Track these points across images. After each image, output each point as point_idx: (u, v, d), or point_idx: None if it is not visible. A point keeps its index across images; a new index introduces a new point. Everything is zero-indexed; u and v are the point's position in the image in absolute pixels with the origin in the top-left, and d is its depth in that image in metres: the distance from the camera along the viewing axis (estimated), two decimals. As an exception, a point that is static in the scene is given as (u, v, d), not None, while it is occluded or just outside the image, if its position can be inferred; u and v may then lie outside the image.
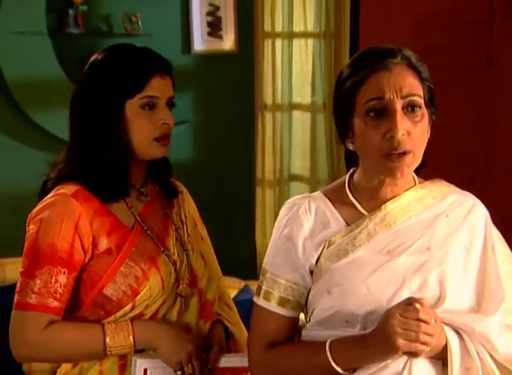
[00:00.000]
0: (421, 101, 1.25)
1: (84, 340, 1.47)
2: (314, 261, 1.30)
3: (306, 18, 3.66)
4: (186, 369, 1.49)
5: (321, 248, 1.29)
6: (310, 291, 1.32)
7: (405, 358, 1.22)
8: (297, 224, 1.31)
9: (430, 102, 1.28)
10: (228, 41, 3.59)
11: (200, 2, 3.57)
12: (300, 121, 3.77)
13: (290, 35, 3.67)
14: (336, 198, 1.34)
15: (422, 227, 1.29)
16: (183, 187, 1.72)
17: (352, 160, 1.36)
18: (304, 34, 3.68)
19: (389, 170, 1.25)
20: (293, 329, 1.35)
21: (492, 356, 1.25)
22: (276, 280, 1.32)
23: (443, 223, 1.30)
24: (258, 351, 1.34)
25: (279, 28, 3.65)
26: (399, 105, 1.23)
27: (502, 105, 3.19)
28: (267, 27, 3.62)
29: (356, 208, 1.31)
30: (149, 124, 1.51)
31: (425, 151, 1.30)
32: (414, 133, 1.24)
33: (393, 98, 1.22)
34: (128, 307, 1.50)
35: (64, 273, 1.45)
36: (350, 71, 1.28)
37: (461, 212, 1.32)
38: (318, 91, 3.59)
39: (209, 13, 3.60)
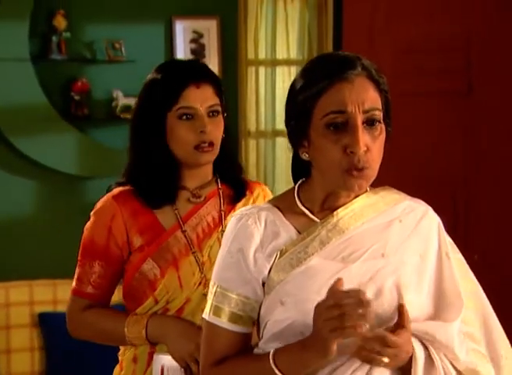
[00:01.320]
0: (380, 115, 1.21)
1: (109, 327, 1.64)
2: (266, 272, 1.25)
3: (289, 45, 3.69)
4: (191, 366, 1.56)
5: (273, 259, 1.25)
6: (261, 305, 1.27)
7: (365, 369, 1.19)
8: (247, 235, 1.26)
9: (386, 114, 1.25)
10: (211, 68, 3.60)
11: (183, 29, 3.59)
12: (284, 148, 3.77)
13: (273, 63, 3.69)
14: (286, 207, 1.29)
15: (376, 233, 1.26)
16: (266, 190, 1.77)
17: (300, 170, 1.31)
18: (287, 62, 3.71)
19: (348, 186, 1.22)
20: (246, 344, 1.30)
21: (454, 366, 1.23)
22: (226, 294, 1.27)
23: (397, 229, 1.27)
24: (209, 368, 1.29)
25: (262, 55, 3.68)
26: (360, 119, 1.19)
27: (482, 131, 3.22)
28: (250, 55, 3.64)
29: (307, 216, 1.27)
30: (187, 134, 1.61)
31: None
32: (373, 149, 1.20)
33: (355, 111, 1.18)
34: (151, 300, 1.62)
35: (101, 265, 1.64)
36: (306, 80, 1.22)
37: (413, 219, 1.29)
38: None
39: (193, 40, 3.62)
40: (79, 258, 1.68)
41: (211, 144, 1.62)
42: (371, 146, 1.20)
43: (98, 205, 1.68)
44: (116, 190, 1.68)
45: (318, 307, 1.16)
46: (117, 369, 1.71)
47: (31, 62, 3.31)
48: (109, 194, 1.68)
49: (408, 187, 1.37)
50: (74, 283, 1.68)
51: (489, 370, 1.26)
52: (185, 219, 1.66)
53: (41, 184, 3.47)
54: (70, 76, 3.43)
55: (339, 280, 1.16)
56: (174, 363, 1.58)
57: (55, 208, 3.48)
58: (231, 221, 1.31)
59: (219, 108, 1.65)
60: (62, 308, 2.89)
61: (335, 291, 1.15)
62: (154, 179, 1.64)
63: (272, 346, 1.24)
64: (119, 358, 1.71)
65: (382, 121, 1.22)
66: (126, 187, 1.68)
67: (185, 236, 1.64)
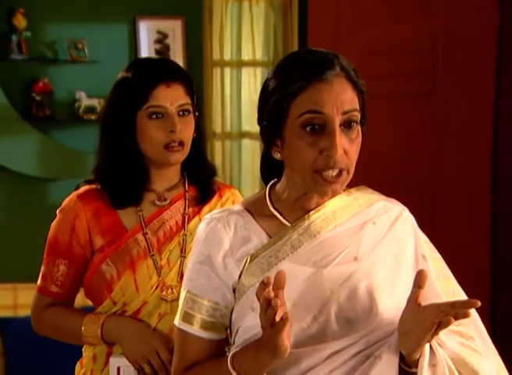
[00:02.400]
0: (358, 117, 1.18)
1: (68, 325, 1.65)
2: (236, 277, 1.22)
3: (254, 46, 3.67)
4: (144, 368, 1.57)
5: (243, 264, 1.22)
6: (233, 310, 1.24)
7: (343, 370, 1.15)
8: (216, 240, 1.23)
9: (362, 115, 1.21)
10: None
11: (148, 30, 3.55)
12: (250, 150, 3.75)
13: (239, 63, 3.68)
14: (257, 210, 1.26)
15: (348, 236, 1.23)
16: (237, 194, 1.74)
17: (270, 170, 1.28)
18: (253, 63, 3.70)
19: (321, 188, 1.18)
20: (219, 350, 1.27)
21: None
22: (197, 300, 1.24)
23: (370, 231, 1.24)
24: (179, 374, 1.27)
25: (227, 56, 3.65)
26: (338, 121, 1.15)
27: (447, 132, 3.25)
28: (216, 55, 3.62)
29: (278, 220, 1.24)
30: (157, 133, 1.59)
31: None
32: (350, 152, 1.17)
33: (333, 113, 1.15)
34: (109, 301, 1.63)
35: (65, 264, 1.64)
36: (281, 80, 1.18)
37: (388, 219, 1.26)
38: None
39: (157, 41, 3.58)
40: (44, 255, 1.68)
41: (181, 143, 1.61)
42: (348, 149, 1.17)
43: (64, 203, 1.68)
44: (82, 189, 1.67)
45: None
46: (78, 365, 1.71)
47: (-10, 61, 3.25)
48: (75, 193, 1.67)
49: (374, 188, 1.34)
50: (39, 281, 1.68)
51: (480, 364, 1.21)
52: (147, 222, 1.64)
53: (1, 186, 3.40)
54: (31, 77, 3.36)
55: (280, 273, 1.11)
56: (130, 364, 1.58)
57: (16, 211, 3.41)
58: (200, 225, 1.28)
59: (190, 108, 1.63)
60: (22, 313, 2.85)
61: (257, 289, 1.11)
62: (121, 178, 1.63)
63: None
64: (83, 353, 1.71)
65: (359, 123, 1.19)
66: (93, 186, 1.67)
67: (145, 239, 1.63)
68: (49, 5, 3.39)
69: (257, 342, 1.16)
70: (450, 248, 1.39)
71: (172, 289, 1.62)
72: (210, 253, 1.23)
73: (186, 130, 1.61)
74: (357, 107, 1.19)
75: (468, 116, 3.22)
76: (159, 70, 1.61)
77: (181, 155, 1.62)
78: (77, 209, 1.64)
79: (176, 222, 1.65)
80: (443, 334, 1.17)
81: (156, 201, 1.66)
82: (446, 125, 3.23)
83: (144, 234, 1.63)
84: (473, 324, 1.26)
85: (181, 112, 1.61)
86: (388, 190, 1.34)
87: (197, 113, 1.66)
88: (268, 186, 1.29)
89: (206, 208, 1.68)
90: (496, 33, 3.20)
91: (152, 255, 1.62)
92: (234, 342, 1.25)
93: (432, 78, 3.23)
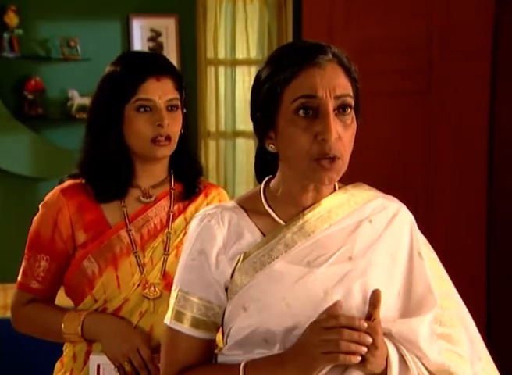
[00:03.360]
0: (352, 101, 1.16)
1: (48, 322, 1.62)
2: (229, 276, 1.19)
3: (249, 45, 3.66)
4: (124, 366, 1.54)
5: (236, 262, 1.18)
6: (225, 310, 1.21)
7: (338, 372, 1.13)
8: (209, 236, 1.20)
9: (356, 105, 1.19)
10: (170, 68, 3.54)
11: (141, 28, 3.52)
12: (244, 149, 3.74)
13: (233, 62, 3.66)
14: (251, 207, 1.23)
15: (344, 235, 1.20)
16: (223, 194, 1.72)
17: (264, 167, 1.26)
18: (247, 61, 3.68)
19: (317, 176, 1.14)
20: (210, 352, 1.24)
21: (426, 367, 1.18)
22: (188, 298, 1.21)
23: (366, 230, 1.21)
24: None
25: (221, 55, 3.63)
26: (331, 105, 1.13)
27: (442, 129, 3.24)
28: (210, 54, 3.60)
29: (272, 217, 1.21)
30: (144, 126, 1.58)
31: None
32: (344, 138, 1.14)
33: (326, 97, 1.13)
34: (90, 298, 1.60)
35: (46, 259, 1.62)
36: (274, 67, 1.16)
37: (385, 218, 1.23)
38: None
39: (150, 39, 3.56)
40: (25, 251, 1.65)
41: (168, 138, 1.59)
42: (343, 134, 1.15)
43: (47, 197, 1.65)
44: (66, 183, 1.65)
45: (316, 324, 1.11)
46: (58, 364, 1.68)
47: (-19, 59, 3.23)
48: (58, 187, 1.65)
49: (369, 185, 1.31)
50: (19, 277, 1.65)
51: (465, 372, 1.20)
52: (131, 219, 1.62)
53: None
54: (23, 75, 3.34)
55: (338, 302, 1.12)
56: (110, 362, 1.55)
57: (7, 210, 3.38)
58: (193, 221, 1.25)
59: (178, 103, 1.61)
60: None
61: (336, 313, 1.10)
62: (106, 172, 1.60)
63: (235, 353, 1.19)
64: (63, 351, 1.68)
65: (353, 109, 1.17)
66: (77, 181, 1.64)
67: (129, 235, 1.60)
68: (41, 2, 3.37)
69: (279, 356, 1.13)
70: (446, 247, 1.36)
71: (154, 287, 1.59)
72: (203, 249, 1.21)
73: (174, 125, 1.60)
74: (351, 93, 1.17)
75: (464, 113, 3.21)
76: (149, 63, 1.59)
77: (167, 150, 1.60)
78: (60, 204, 1.61)
79: (161, 220, 1.63)
80: (427, 344, 1.16)
81: (141, 198, 1.64)
82: (442, 123, 3.22)
83: (128, 231, 1.60)
84: (465, 328, 1.24)
85: (169, 107, 1.59)
86: (383, 188, 1.32)
87: (185, 110, 1.64)
88: (263, 182, 1.26)
89: (191, 206, 1.66)
90: (492, 31, 3.19)
91: (135, 253, 1.60)
92: (226, 343, 1.22)
93: (427, 76, 3.22)
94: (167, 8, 3.54)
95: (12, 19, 3.26)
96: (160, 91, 1.57)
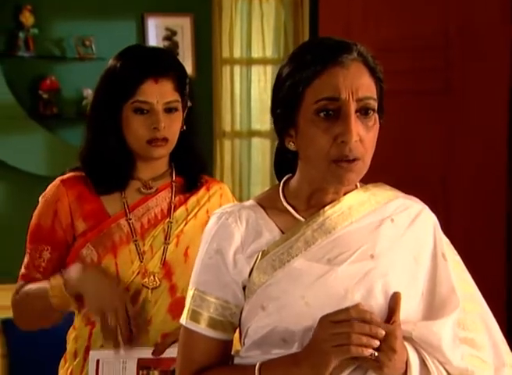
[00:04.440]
0: (375, 104, 1.13)
1: (37, 292, 1.60)
2: (247, 275, 1.16)
3: (264, 44, 3.63)
4: (109, 317, 1.51)
5: (254, 260, 1.16)
6: (242, 310, 1.19)
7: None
8: (227, 235, 1.18)
9: (380, 106, 1.17)
10: (185, 67, 3.52)
11: (156, 27, 3.51)
12: (260, 148, 3.71)
13: (249, 61, 3.63)
14: (270, 205, 1.21)
15: (365, 233, 1.17)
16: (225, 189, 1.73)
17: (284, 165, 1.24)
18: (263, 60, 3.65)
19: (336, 178, 1.13)
20: (227, 353, 1.21)
21: (448, 372, 1.15)
22: (205, 298, 1.18)
23: (388, 229, 1.18)
24: None
25: (237, 54, 3.61)
26: (353, 107, 1.11)
27: (461, 130, 3.20)
28: (225, 53, 3.58)
29: (292, 215, 1.19)
30: (140, 128, 1.57)
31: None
32: (366, 140, 1.12)
33: (349, 99, 1.10)
34: None
35: (47, 249, 1.62)
36: (297, 64, 1.14)
37: (407, 218, 1.20)
38: (277, 118, 3.55)
39: (166, 38, 3.54)
40: (27, 245, 1.66)
41: (165, 139, 1.58)
42: (364, 136, 1.12)
43: (47, 189, 1.66)
44: (67, 175, 1.66)
45: (325, 319, 1.09)
46: (62, 361, 1.68)
47: (-3, 59, 3.23)
48: (58, 178, 1.66)
49: (388, 184, 1.28)
50: (21, 270, 1.65)
51: None
52: (131, 209, 1.62)
53: (9, 185, 3.37)
54: (38, 74, 3.34)
55: (358, 305, 1.09)
56: (111, 357, 1.53)
57: (23, 210, 3.36)
58: (210, 219, 1.23)
59: (178, 105, 1.59)
60: None
61: (346, 308, 1.08)
62: (107, 165, 1.61)
63: (252, 354, 1.16)
64: (67, 346, 1.67)
65: (376, 111, 1.14)
66: (78, 173, 1.65)
67: (129, 224, 1.60)
68: (57, 1, 3.37)
69: (294, 356, 1.11)
70: (465, 247, 1.33)
71: (154, 276, 1.58)
72: (221, 248, 1.18)
73: (172, 127, 1.58)
74: (374, 95, 1.14)
75: (483, 113, 3.17)
76: (149, 63, 1.56)
77: (164, 151, 1.60)
78: (60, 193, 1.61)
79: (162, 209, 1.63)
80: (450, 349, 1.14)
81: (142, 189, 1.64)
82: (461, 122, 3.18)
83: (128, 220, 1.60)
84: (488, 333, 1.21)
85: (168, 109, 1.57)
86: (400, 188, 1.29)
87: (189, 104, 1.62)
88: (282, 181, 1.24)
89: (193, 198, 1.66)
90: (511, 30, 3.14)
91: (135, 241, 1.59)
92: (244, 343, 1.20)
93: (446, 75, 3.18)
94: (182, 7, 3.53)
95: (27, 18, 3.26)
96: (158, 94, 1.55)
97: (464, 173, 3.19)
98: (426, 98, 3.17)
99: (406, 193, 1.28)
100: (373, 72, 1.15)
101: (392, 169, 2.84)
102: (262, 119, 3.66)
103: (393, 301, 1.11)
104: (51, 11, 3.36)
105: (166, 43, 3.53)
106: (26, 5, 3.27)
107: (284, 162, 1.24)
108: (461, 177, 3.19)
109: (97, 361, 1.53)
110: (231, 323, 1.20)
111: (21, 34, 3.25)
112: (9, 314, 3.00)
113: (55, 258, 1.62)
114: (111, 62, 1.60)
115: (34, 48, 3.29)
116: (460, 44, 3.17)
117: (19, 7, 3.28)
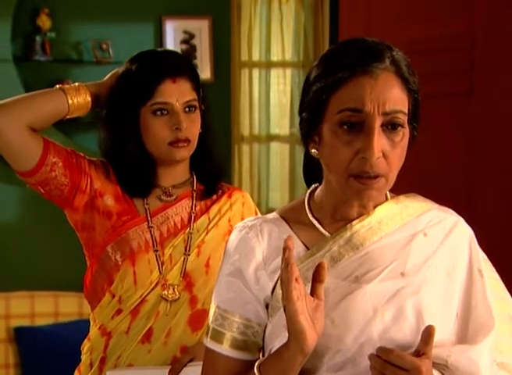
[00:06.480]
0: (404, 119, 1.06)
1: (48, 98, 1.64)
2: (269, 291, 1.11)
3: (284, 47, 3.58)
4: None
5: (277, 276, 1.09)
6: (266, 329, 1.14)
7: None
8: (247, 251, 1.12)
9: (414, 117, 1.10)
10: (203, 71, 3.48)
11: (174, 30, 3.47)
12: (279, 153, 3.66)
13: (268, 65, 3.58)
14: (294, 218, 1.15)
15: (396, 249, 1.11)
16: (247, 197, 1.70)
17: (313, 172, 1.17)
18: (282, 64, 3.60)
19: (355, 193, 1.07)
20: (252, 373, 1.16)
21: None
22: (227, 316, 1.13)
23: (420, 244, 1.12)
24: None
25: (256, 57, 3.56)
26: (378, 121, 1.04)
27: (485, 133, 3.13)
28: (244, 56, 3.53)
29: (317, 229, 1.13)
30: (161, 130, 1.55)
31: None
32: (390, 156, 1.05)
33: (374, 112, 1.04)
34: (108, 296, 1.56)
35: (62, 167, 1.63)
36: (324, 68, 1.08)
37: (441, 231, 1.14)
38: (296, 122, 3.47)
39: (184, 41, 3.50)
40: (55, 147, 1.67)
41: (187, 140, 1.56)
42: (389, 153, 1.05)
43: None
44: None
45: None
46: (76, 372, 1.65)
47: (14, 63, 3.19)
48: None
49: (410, 190, 1.23)
50: None
51: None
52: (153, 215, 1.61)
53: (24, 190, 3.34)
54: (55, 78, 3.29)
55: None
56: None
57: (39, 216, 3.34)
58: (232, 233, 1.18)
59: (196, 104, 1.58)
60: (39, 322, 2.81)
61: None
62: (129, 173, 1.60)
63: None
64: (81, 357, 1.64)
65: (405, 125, 1.07)
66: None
67: (150, 232, 1.58)
68: (74, 5, 3.34)
69: (284, 344, 1.06)
70: (488, 254, 1.26)
71: (173, 289, 1.56)
72: (240, 265, 1.13)
73: (193, 127, 1.57)
74: (404, 108, 1.07)
75: (508, 116, 3.09)
76: (165, 65, 1.55)
77: (187, 152, 1.58)
78: (102, 163, 1.62)
79: (182, 219, 1.61)
80: (487, 371, 1.07)
81: (162, 196, 1.62)
82: (485, 125, 3.11)
83: (150, 228, 1.59)
84: None
85: (187, 109, 1.56)
86: (425, 192, 1.23)
87: (203, 107, 1.61)
88: (308, 192, 1.18)
89: (215, 206, 1.63)
90: (538, 31, 3.07)
91: (156, 251, 1.57)
92: None
93: (470, 77, 3.11)
94: (200, 9, 3.48)
95: (44, 22, 3.23)
96: (177, 93, 1.54)
97: (488, 177, 3.11)
98: (450, 101, 3.11)
99: (429, 197, 1.21)
100: (406, 83, 1.07)
101: (415, 174, 2.77)
102: (281, 123, 3.61)
103: (426, 334, 1.04)
104: (69, 14, 3.33)
105: (184, 46, 3.49)
106: (44, 8, 3.24)
107: (313, 170, 1.18)
108: (486, 181, 3.12)
109: None
110: (254, 342, 1.14)
111: (38, 38, 3.23)
112: (22, 322, 2.98)
113: (66, 164, 1.62)
114: (124, 66, 1.59)
115: (51, 52, 3.27)
116: (485, 45, 3.10)
117: (36, 11, 3.25)
